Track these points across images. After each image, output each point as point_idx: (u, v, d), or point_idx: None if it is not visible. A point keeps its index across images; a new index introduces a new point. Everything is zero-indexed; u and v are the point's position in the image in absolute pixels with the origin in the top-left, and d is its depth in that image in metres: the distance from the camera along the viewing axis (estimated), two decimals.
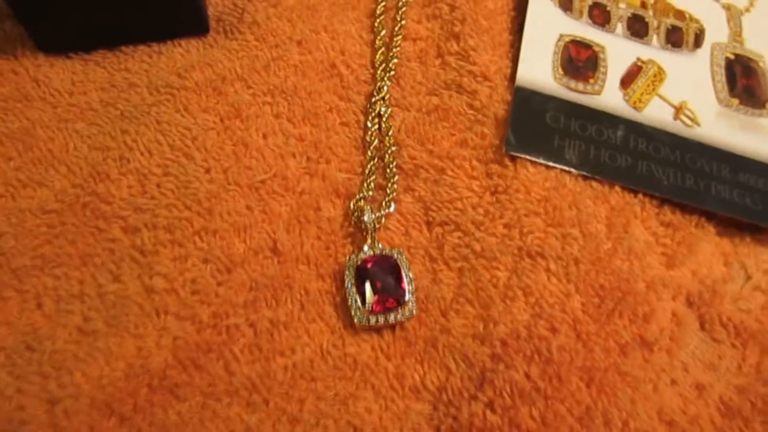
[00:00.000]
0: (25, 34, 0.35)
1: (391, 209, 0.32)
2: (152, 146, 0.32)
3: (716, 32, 0.38)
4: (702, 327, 0.31)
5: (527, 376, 0.28)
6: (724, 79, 0.37)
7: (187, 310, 0.28)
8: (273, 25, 0.36)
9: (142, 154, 0.32)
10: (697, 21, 0.38)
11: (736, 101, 0.36)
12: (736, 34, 0.39)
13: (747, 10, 0.40)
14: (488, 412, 0.27)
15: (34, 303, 0.28)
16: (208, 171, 0.31)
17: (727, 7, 0.40)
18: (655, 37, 0.37)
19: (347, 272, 0.30)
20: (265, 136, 0.33)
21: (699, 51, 0.38)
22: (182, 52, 0.35)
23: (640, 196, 0.33)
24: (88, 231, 0.30)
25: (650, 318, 0.30)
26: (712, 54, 0.38)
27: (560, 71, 0.35)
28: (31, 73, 0.34)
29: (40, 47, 0.34)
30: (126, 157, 0.31)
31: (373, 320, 0.29)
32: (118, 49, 0.35)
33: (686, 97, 0.36)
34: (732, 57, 0.38)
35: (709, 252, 0.33)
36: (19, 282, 0.28)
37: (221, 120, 0.33)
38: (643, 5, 0.38)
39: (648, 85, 0.36)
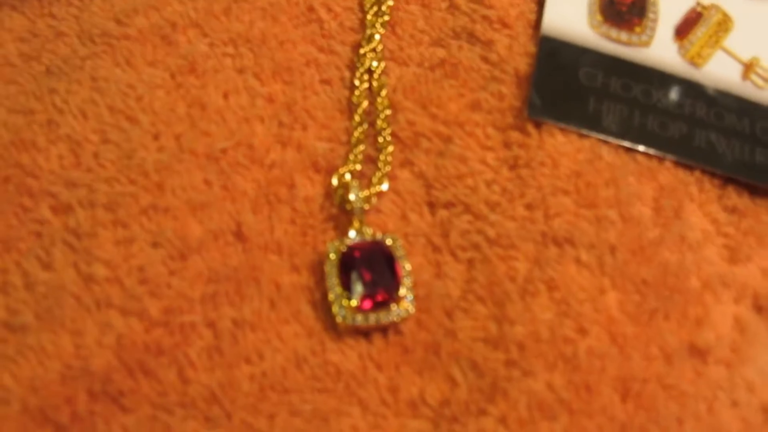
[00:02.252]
0: None
1: (384, 187, 0.39)
2: (87, 108, 0.39)
3: None
4: None
5: (549, 385, 0.35)
6: None
7: (134, 303, 0.35)
8: None
9: (74, 117, 0.39)
10: None
11: None
12: None
13: None
14: (501, 429, 0.34)
15: None
16: (156, 137, 0.38)
17: None
18: None
19: (328, 262, 0.37)
20: (226, 96, 0.40)
21: None
22: None
23: (698, 173, 0.40)
24: (11, 210, 0.36)
25: (704, 322, 0.37)
26: None
27: (598, 17, 0.43)
28: None
29: None
30: (55, 122, 0.39)
31: (360, 320, 0.36)
32: None
33: (759, 53, 0.43)
34: None
35: None
36: None
37: (172, 76, 0.40)
38: None
39: (710, 36, 0.43)
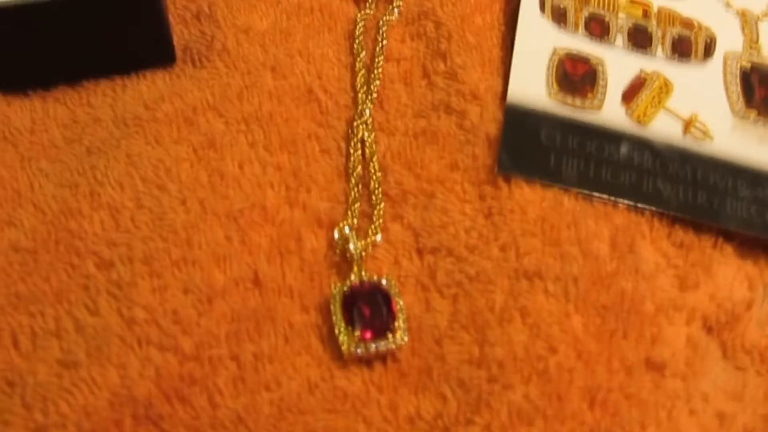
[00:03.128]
0: None
1: (378, 238, 0.46)
2: (123, 180, 0.46)
3: (729, 40, 0.54)
4: (724, 354, 0.45)
5: (526, 396, 0.41)
6: (739, 89, 0.52)
7: (169, 340, 0.41)
8: (244, 51, 0.51)
9: (113, 188, 0.46)
10: (707, 29, 0.54)
11: (753, 113, 0.51)
12: (752, 41, 0.54)
13: (765, 15, 0.55)
14: None
15: (10, 341, 0.41)
16: (183, 202, 0.45)
17: (742, 13, 0.55)
18: (659, 47, 0.53)
19: (333, 301, 0.43)
20: (241, 166, 0.47)
21: (710, 61, 0.53)
22: (148, 84, 0.50)
23: (648, 215, 0.47)
24: (61, 268, 0.43)
25: (660, 340, 0.43)
26: (725, 64, 0.53)
27: (555, 87, 0.50)
28: None
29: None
30: (97, 192, 0.45)
31: (362, 349, 0.42)
32: (78, 84, 0.50)
33: (697, 110, 0.50)
34: (748, 66, 0.53)
35: (730, 275, 0.46)
36: None
37: (194, 151, 0.47)
38: (646, 15, 0.54)
39: (653, 98, 0.50)
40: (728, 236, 0.47)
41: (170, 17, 0.51)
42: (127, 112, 0.48)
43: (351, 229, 0.45)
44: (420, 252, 0.46)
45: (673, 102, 0.51)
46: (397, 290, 0.44)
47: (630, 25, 0.53)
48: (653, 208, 0.47)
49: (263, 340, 0.42)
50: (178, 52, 0.51)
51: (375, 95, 0.50)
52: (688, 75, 0.52)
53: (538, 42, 0.52)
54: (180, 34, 0.52)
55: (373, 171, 0.48)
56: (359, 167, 0.48)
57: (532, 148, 0.48)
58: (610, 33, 0.53)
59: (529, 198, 0.46)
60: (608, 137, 0.49)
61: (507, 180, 0.47)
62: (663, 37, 0.53)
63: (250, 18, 0.53)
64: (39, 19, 0.46)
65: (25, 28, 0.46)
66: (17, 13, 0.45)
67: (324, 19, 0.53)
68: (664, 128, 0.50)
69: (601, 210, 0.47)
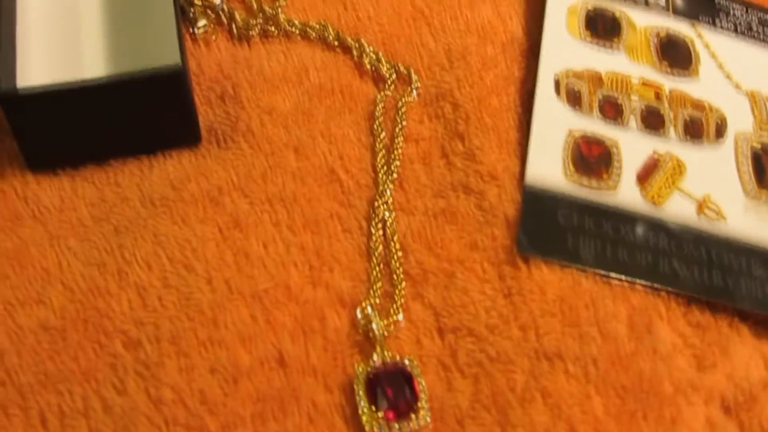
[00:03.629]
0: (9, 152, 0.51)
1: (400, 318, 0.47)
2: (151, 259, 0.47)
3: (740, 122, 0.55)
4: None
5: None
6: (751, 170, 0.53)
7: (196, 420, 0.42)
8: (268, 132, 0.53)
9: (140, 267, 0.47)
10: (717, 111, 0.55)
11: (765, 193, 0.52)
12: (763, 122, 0.55)
13: None
14: None
15: (38, 420, 0.42)
16: (209, 282, 0.46)
17: (751, 95, 0.57)
18: (672, 129, 0.54)
19: (357, 381, 0.44)
20: (265, 246, 0.48)
21: (721, 142, 0.54)
22: (174, 164, 0.51)
23: (664, 295, 0.48)
24: (89, 347, 0.44)
25: (679, 421, 0.44)
26: (736, 145, 0.54)
27: (571, 168, 0.51)
28: (18, 192, 0.50)
29: (29, 164, 0.50)
30: (124, 271, 0.47)
31: (385, 430, 0.43)
32: (106, 163, 0.51)
33: (709, 191, 0.52)
34: (759, 147, 0.54)
35: (746, 354, 0.47)
36: (23, 399, 0.42)
37: (220, 230, 0.48)
38: (658, 97, 0.55)
39: (666, 180, 0.52)
40: (744, 316, 0.48)
41: (195, 98, 0.52)
42: (154, 191, 0.50)
43: (373, 309, 0.46)
44: (441, 332, 0.46)
45: (686, 183, 0.52)
46: (419, 371, 0.44)
47: (643, 107, 0.55)
48: (669, 289, 0.48)
49: (288, 419, 0.43)
50: (204, 132, 0.52)
51: (395, 175, 0.51)
52: (700, 156, 0.53)
53: (554, 124, 0.53)
54: (205, 114, 0.53)
55: (394, 250, 0.49)
56: (380, 247, 0.49)
57: (550, 228, 0.49)
58: (624, 115, 0.54)
59: (548, 278, 0.47)
60: (624, 218, 0.50)
61: (526, 260, 0.48)
62: (675, 118, 0.54)
63: (273, 99, 0.54)
64: (69, 102, 0.48)
65: (55, 110, 0.48)
66: (48, 97, 0.47)
67: (345, 100, 0.55)
68: (678, 209, 0.51)
69: (619, 290, 0.48)
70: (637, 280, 0.48)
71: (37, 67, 0.53)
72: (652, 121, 0.54)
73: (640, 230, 0.50)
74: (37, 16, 0.56)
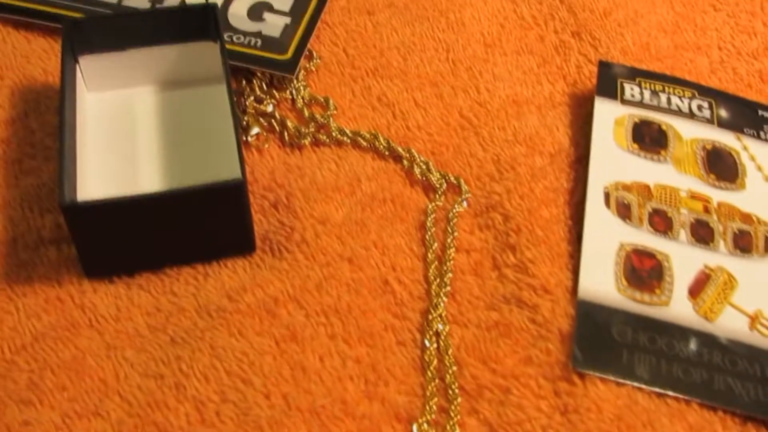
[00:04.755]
0: (68, 260, 0.52)
1: None
2: (208, 372, 0.47)
3: None
4: None
5: None
6: None
7: None
8: (322, 242, 0.54)
9: (198, 380, 0.47)
10: (765, 224, 0.56)
11: None
12: None
13: None
14: None
15: None
16: (267, 396, 0.47)
17: None
18: (721, 242, 0.55)
19: None
20: (321, 359, 0.48)
21: None
22: (230, 273, 0.52)
23: (720, 413, 0.48)
24: None
25: None
26: None
27: (624, 282, 0.52)
28: (76, 300, 0.51)
29: (86, 272, 0.51)
30: (182, 384, 0.47)
31: None
32: (162, 271, 0.52)
33: (761, 306, 0.52)
34: None
35: None
36: None
37: (277, 343, 0.49)
38: (707, 210, 0.56)
39: (718, 294, 0.52)
40: None
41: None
42: (210, 302, 0.50)
43: (429, 426, 0.46)
44: None
45: (737, 297, 0.52)
46: None
47: (692, 220, 0.56)
48: (725, 407, 0.48)
49: None
50: (258, 242, 0.54)
51: (448, 287, 0.52)
52: (750, 270, 0.54)
53: (605, 237, 0.54)
54: (259, 223, 0.55)
55: (448, 364, 0.49)
56: (435, 360, 0.49)
57: (605, 344, 0.49)
58: (674, 228, 0.55)
59: (604, 395, 0.48)
60: (677, 333, 0.50)
61: (581, 377, 0.48)
62: (724, 231, 0.55)
63: (326, 208, 0.55)
64: (127, 213, 0.49)
65: (114, 221, 0.49)
66: (106, 208, 0.48)
67: (396, 209, 0.56)
68: (730, 324, 0.51)
69: (675, 407, 0.48)
70: (694, 398, 0.48)
71: (97, 181, 0.55)
72: (702, 234, 0.55)
73: (693, 346, 0.50)
74: (97, 132, 0.58)
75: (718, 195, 0.57)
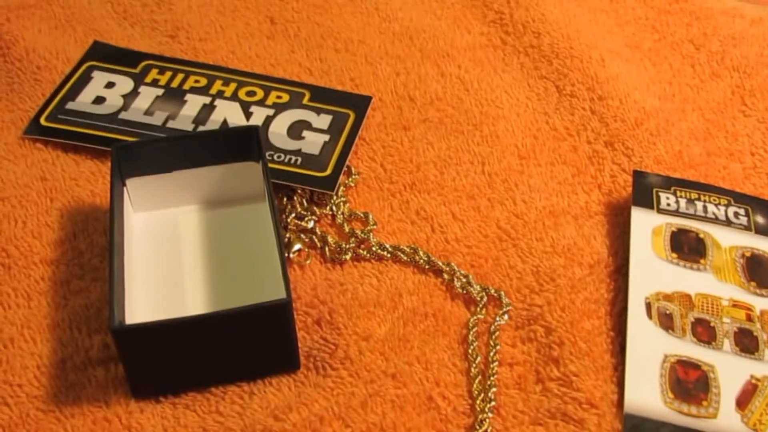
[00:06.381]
0: (115, 380, 0.53)
1: None
2: None
3: None
4: None
5: None
6: None
7: None
8: (366, 359, 0.54)
9: None
10: None
11: None
12: None
13: None
14: None
15: None
16: None
17: None
18: (766, 351, 0.55)
19: None
20: None
21: None
22: (274, 391, 0.53)
23: None
24: None
25: None
26: None
27: (670, 395, 0.52)
28: (123, 421, 0.51)
29: (134, 393, 0.52)
30: None
31: None
32: (207, 390, 0.53)
33: None
34: None
35: None
36: None
37: None
38: (749, 318, 0.56)
39: (767, 405, 0.52)
40: None
41: None
42: (256, 422, 0.51)
43: None
44: None
45: None
46: None
47: (735, 329, 0.56)
48: None
49: None
50: (302, 359, 0.54)
51: (493, 403, 0.52)
52: None
53: (649, 348, 0.54)
54: (302, 340, 0.56)
55: None
56: None
57: None
58: (717, 338, 0.55)
59: None
60: None
61: None
62: None
63: (369, 324, 0.56)
64: (174, 336, 0.50)
65: (161, 342, 0.50)
66: (154, 330, 0.49)
67: (438, 323, 0.57)
68: None
69: None
70: None
71: (143, 302, 0.56)
72: (747, 344, 0.55)
73: None
74: (143, 253, 0.60)
75: (760, 303, 0.57)
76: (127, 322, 0.52)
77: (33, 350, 0.55)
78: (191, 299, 0.57)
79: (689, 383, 0.53)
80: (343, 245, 0.61)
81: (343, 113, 0.70)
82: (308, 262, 0.61)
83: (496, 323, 0.57)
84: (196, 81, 0.72)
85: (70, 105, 0.69)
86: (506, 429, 0.52)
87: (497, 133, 0.70)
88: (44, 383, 0.53)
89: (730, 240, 0.61)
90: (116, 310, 0.50)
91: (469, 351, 0.55)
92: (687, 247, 0.60)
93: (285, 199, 0.64)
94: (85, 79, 0.72)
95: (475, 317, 0.57)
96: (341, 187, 0.65)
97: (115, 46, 0.76)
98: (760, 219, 0.62)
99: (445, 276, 0.60)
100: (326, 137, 0.67)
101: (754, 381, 0.53)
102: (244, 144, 0.61)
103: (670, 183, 0.64)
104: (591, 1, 0.84)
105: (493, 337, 0.56)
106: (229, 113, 0.69)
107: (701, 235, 0.61)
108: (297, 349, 0.54)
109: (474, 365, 0.55)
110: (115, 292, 0.50)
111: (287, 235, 0.62)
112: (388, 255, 0.61)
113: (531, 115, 0.71)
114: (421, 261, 0.60)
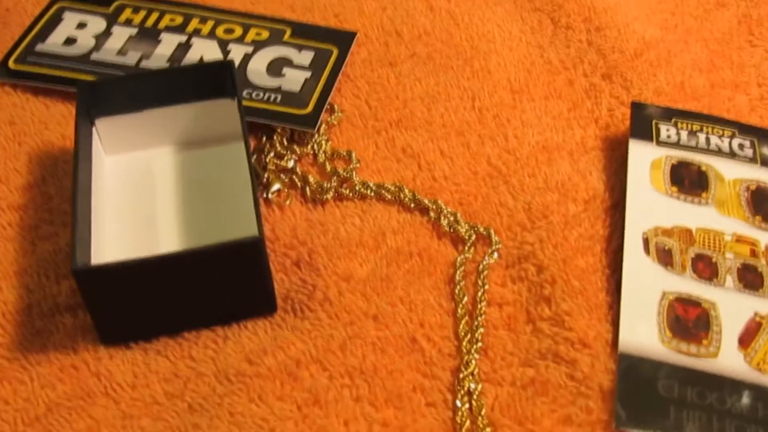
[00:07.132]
0: (83, 327, 0.51)
1: None
2: None
3: None
4: None
5: None
6: None
7: None
8: (346, 300, 0.52)
9: None
10: None
11: None
12: None
13: None
14: None
15: None
16: None
17: None
18: None
19: None
20: (346, 423, 0.46)
21: None
22: (250, 335, 0.50)
23: None
24: None
25: None
26: None
27: (668, 333, 0.49)
28: (91, 368, 0.49)
29: (102, 338, 0.50)
30: None
31: None
32: (179, 335, 0.51)
33: None
34: None
35: None
36: None
37: (299, 408, 0.47)
38: (754, 254, 0.53)
39: None
40: None
41: (271, 265, 0.52)
42: (229, 366, 0.49)
43: None
44: None
45: None
46: None
47: (738, 265, 0.53)
48: None
49: None
50: (279, 301, 0.52)
51: (480, 343, 0.50)
52: None
53: (646, 286, 0.52)
54: (280, 282, 0.53)
55: (481, 426, 0.46)
56: (468, 422, 0.47)
57: (650, 400, 0.47)
58: (719, 274, 0.52)
59: None
60: (728, 387, 0.47)
61: None
62: None
63: (350, 265, 0.54)
64: (143, 276, 0.48)
65: (127, 284, 0.48)
66: (119, 271, 0.47)
67: (423, 263, 0.54)
68: None
69: None
70: None
71: (115, 245, 0.54)
72: (750, 280, 0.52)
73: (746, 400, 0.47)
74: (116, 196, 0.57)
75: (765, 238, 0.54)
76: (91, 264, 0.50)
77: None
78: (165, 242, 0.55)
79: (689, 321, 0.50)
80: (325, 185, 0.58)
81: (326, 49, 0.66)
82: (288, 202, 0.58)
83: (484, 262, 0.54)
84: (172, 20, 0.69)
85: (39, 47, 0.67)
86: (494, 371, 0.49)
87: (488, 68, 0.67)
88: (9, 330, 0.51)
89: (734, 173, 0.58)
90: (80, 251, 0.47)
91: (456, 291, 0.53)
92: (688, 181, 0.57)
93: (264, 138, 0.62)
94: (56, 21, 0.69)
95: (462, 256, 0.54)
96: (323, 125, 0.62)
97: None
98: (766, 151, 0.59)
99: (432, 214, 0.57)
100: (307, 74, 0.64)
101: (758, 319, 0.51)
102: (218, 80, 0.58)
103: (671, 114, 0.61)
104: None
105: (482, 276, 0.53)
106: (206, 51, 0.66)
107: (703, 168, 0.58)
108: (273, 291, 0.51)
109: (461, 306, 0.52)
110: (78, 233, 0.48)
111: (266, 176, 0.59)
112: (372, 194, 0.58)
113: (524, 49, 0.68)
114: (407, 199, 0.57)
